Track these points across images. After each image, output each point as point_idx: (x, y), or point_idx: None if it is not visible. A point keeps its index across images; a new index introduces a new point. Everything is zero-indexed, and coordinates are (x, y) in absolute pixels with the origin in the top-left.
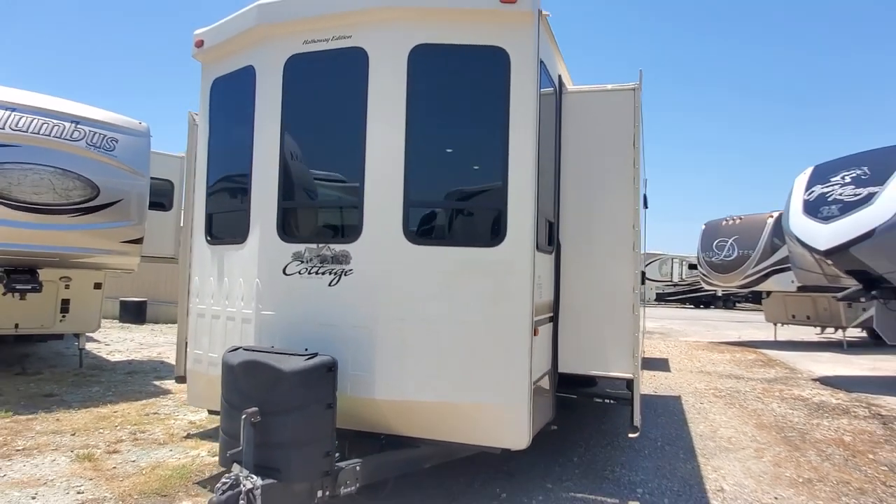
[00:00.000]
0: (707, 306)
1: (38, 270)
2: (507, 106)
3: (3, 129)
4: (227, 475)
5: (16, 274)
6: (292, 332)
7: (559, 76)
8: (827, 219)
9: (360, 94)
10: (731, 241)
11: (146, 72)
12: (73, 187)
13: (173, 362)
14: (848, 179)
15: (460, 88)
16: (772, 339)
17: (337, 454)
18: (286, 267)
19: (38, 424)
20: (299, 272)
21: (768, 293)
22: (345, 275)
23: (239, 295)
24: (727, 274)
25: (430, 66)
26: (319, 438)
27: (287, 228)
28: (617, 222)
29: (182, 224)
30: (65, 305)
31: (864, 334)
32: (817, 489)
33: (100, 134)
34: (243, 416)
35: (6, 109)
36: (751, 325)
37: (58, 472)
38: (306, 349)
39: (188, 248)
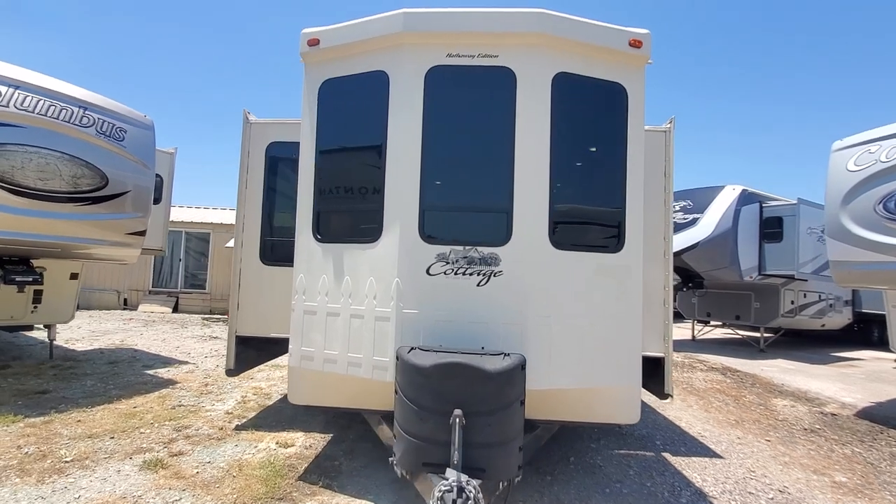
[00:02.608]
0: None
1: (32, 260)
2: (625, 136)
3: (7, 107)
4: (444, 482)
5: (10, 265)
6: (437, 329)
7: None
8: None
9: (509, 111)
10: None
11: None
12: (81, 175)
13: (144, 349)
14: (678, 208)
15: (589, 116)
16: None
17: None
18: (430, 267)
19: (62, 428)
20: (444, 272)
21: None
22: (494, 276)
23: (370, 293)
24: None
25: (567, 92)
26: (518, 434)
27: (429, 231)
28: (653, 234)
29: (236, 221)
30: (37, 296)
31: None
32: (748, 427)
33: (109, 122)
34: (455, 420)
35: (10, 87)
36: None
37: (136, 485)
38: (482, 347)
39: (240, 244)
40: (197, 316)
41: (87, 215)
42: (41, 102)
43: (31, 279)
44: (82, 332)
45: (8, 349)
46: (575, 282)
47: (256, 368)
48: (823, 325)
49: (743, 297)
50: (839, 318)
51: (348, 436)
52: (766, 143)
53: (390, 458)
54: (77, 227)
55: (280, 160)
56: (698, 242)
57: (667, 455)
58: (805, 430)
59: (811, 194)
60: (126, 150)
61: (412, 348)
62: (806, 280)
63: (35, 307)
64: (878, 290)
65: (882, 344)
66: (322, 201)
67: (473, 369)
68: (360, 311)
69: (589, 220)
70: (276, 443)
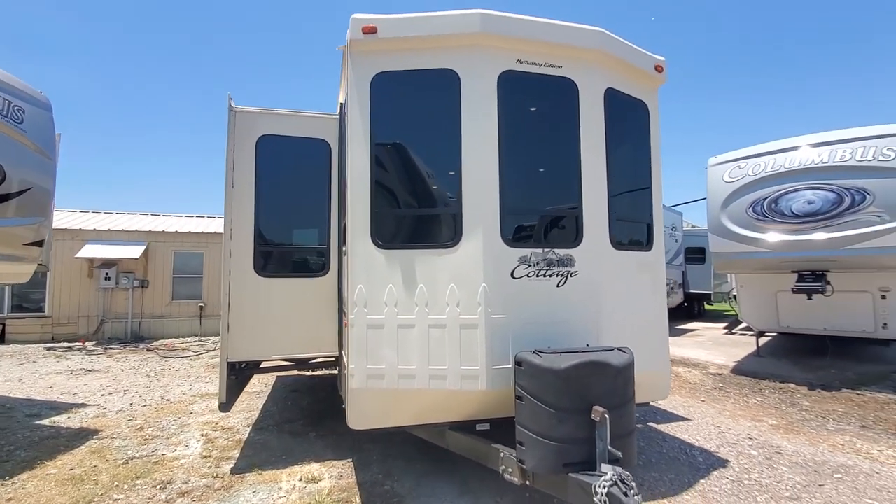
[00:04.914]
0: None
1: None
2: (649, 149)
3: None
4: (605, 478)
5: None
6: (524, 332)
7: None
8: None
9: (573, 121)
10: None
11: None
12: None
13: (6, 394)
14: None
15: (627, 130)
16: None
17: None
18: (514, 270)
19: None
20: (527, 275)
21: None
22: (570, 276)
23: (451, 301)
24: None
25: (613, 107)
26: (635, 423)
27: (510, 233)
28: None
29: (224, 230)
30: None
31: None
32: (680, 392)
33: (3, 98)
34: (603, 417)
35: None
36: None
37: None
38: (587, 344)
39: (228, 253)
40: (37, 346)
41: None
42: None
43: None
44: None
45: None
46: (626, 279)
47: (188, 400)
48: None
49: None
50: (676, 298)
51: (370, 458)
52: None
53: (501, 467)
54: None
55: (274, 157)
56: None
57: (652, 424)
58: (714, 388)
59: None
60: (26, 134)
61: (534, 352)
62: None
63: None
64: (730, 272)
65: (701, 316)
66: (382, 204)
67: (606, 366)
68: (440, 320)
69: (630, 222)
70: (301, 479)
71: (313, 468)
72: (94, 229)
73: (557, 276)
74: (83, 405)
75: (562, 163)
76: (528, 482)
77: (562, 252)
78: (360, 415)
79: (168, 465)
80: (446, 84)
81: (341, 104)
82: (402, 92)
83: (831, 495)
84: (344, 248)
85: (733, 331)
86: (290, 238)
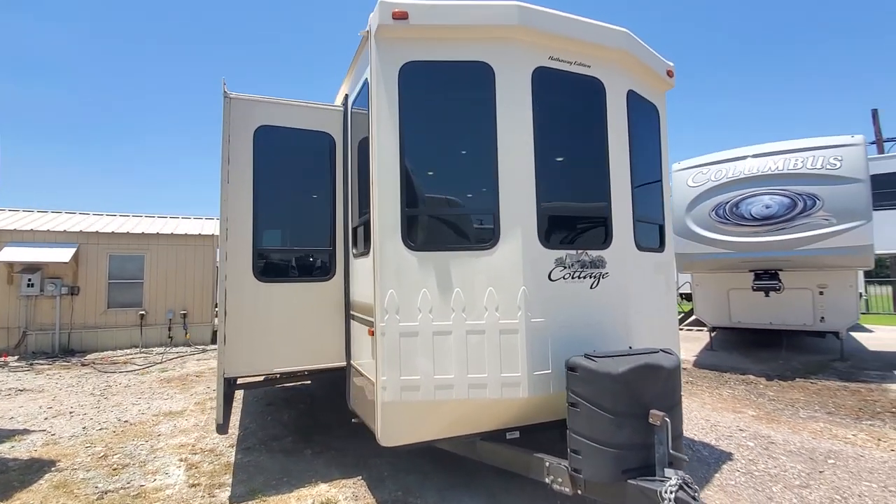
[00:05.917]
0: None
1: None
2: (660, 153)
3: None
4: (670, 483)
5: None
6: (561, 336)
7: None
8: None
9: (602, 123)
10: None
11: None
12: None
13: None
14: None
15: (644, 133)
16: None
17: None
18: (551, 273)
19: None
20: (563, 277)
21: None
22: (602, 277)
23: (490, 305)
24: None
25: (633, 109)
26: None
27: (546, 235)
28: None
29: (218, 234)
30: None
31: None
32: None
33: None
34: (664, 420)
35: None
36: None
37: None
38: (630, 347)
39: (224, 256)
40: None
41: None
42: None
43: None
44: None
45: None
46: (647, 279)
47: (150, 421)
48: None
49: None
50: None
51: (381, 474)
52: None
53: (549, 478)
54: None
55: (273, 150)
56: None
57: None
58: (687, 382)
59: None
60: None
61: (586, 356)
62: None
63: None
64: (699, 273)
65: None
66: (414, 202)
67: (659, 369)
68: (479, 325)
69: (648, 223)
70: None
71: (323, 490)
72: (15, 229)
73: (591, 277)
74: (26, 431)
75: (592, 164)
76: (579, 491)
77: (594, 253)
78: (393, 430)
79: (151, 497)
80: (480, 78)
81: (346, 95)
82: (433, 83)
83: (834, 480)
84: (354, 251)
85: (681, 326)
86: (293, 239)
